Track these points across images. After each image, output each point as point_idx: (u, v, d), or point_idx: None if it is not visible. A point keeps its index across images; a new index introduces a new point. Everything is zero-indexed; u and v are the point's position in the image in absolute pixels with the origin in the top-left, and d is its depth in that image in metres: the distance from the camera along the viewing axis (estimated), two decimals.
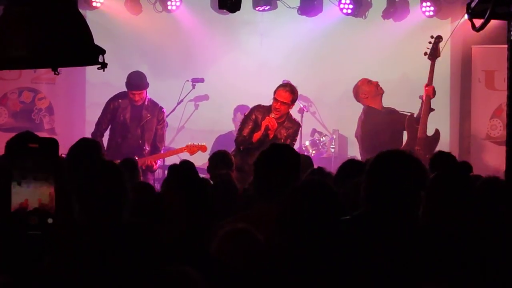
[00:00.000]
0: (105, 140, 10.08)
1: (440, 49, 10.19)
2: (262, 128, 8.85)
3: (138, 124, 9.97)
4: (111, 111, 9.99)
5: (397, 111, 10.36)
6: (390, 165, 3.90)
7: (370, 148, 9.72)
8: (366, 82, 10.39)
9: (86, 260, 3.50)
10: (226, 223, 4.06)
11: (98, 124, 10.05)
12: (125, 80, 9.96)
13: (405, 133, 10.27)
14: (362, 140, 10.29)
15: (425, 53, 10.11)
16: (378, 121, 10.17)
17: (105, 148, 9.78)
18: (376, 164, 3.94)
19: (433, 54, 10.06)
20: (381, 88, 10.31)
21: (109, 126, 10.08)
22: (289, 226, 3.64)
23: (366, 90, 10.34)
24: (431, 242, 3.66)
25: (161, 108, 10.13)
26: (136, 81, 9.92)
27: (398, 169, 3.86)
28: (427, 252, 3.61)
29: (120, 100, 9.99)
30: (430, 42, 10.11)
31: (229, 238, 3.70)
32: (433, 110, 10.07)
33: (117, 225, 3.85)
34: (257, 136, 8.89)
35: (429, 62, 10.14)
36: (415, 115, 10.09)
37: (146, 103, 10.00)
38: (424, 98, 10.00)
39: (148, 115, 9.99)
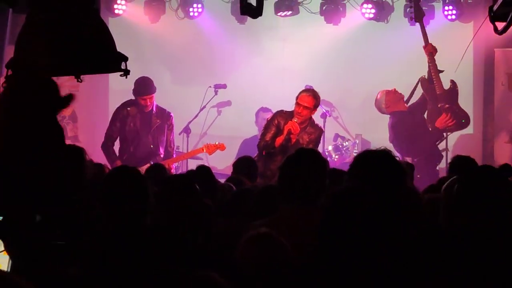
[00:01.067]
0: (115, 148, 10.11)
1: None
2: (285, 132, 8.83)
3: (149, 131, 10.00)
4: (120, 120, 10.01)
5: (413, 103, 10.69)
6: (368, 166, 3.98)
7: (410, 147, 10.27)
8: (385, 92, 10.63)
9: (111, 264, 3.52)
10: (251, 227, 4.07)
11: (108, 134, 10.04)
12: (132, 88, 9.96)
13: None
14: (399, 142, 10.45)
15: (411, 18, 10.58)
16: (407, 120, 10.39)
17: (117, 157, 9.86)
18: (354, 167, 4.01)
19: (418, 15, 10.48)
20: (399, 93, 10.49)
21: (118, 136, 10.11)
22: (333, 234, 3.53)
23: (387, 99, 10.53)
24: (432, 242, 3.64)
25: (169, 113, 10.16)
26: (146, 86, 9.95)
27: (375, 169, 3.96)
28: (427, 252, 3.58)
29: (128, 109, 10.01)
30: (411, 7, 10.53)
31: (253, 243, 3.70)
32: (441, 71, 10.26)
33: (141, 228, 3.87)
34: (279, 140, 8.87)
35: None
36: (425, 77, 10.46)
37: (154, 109, 10.03)
38: (427, 58, 10.35)
39: (158, 121, 10.02)
